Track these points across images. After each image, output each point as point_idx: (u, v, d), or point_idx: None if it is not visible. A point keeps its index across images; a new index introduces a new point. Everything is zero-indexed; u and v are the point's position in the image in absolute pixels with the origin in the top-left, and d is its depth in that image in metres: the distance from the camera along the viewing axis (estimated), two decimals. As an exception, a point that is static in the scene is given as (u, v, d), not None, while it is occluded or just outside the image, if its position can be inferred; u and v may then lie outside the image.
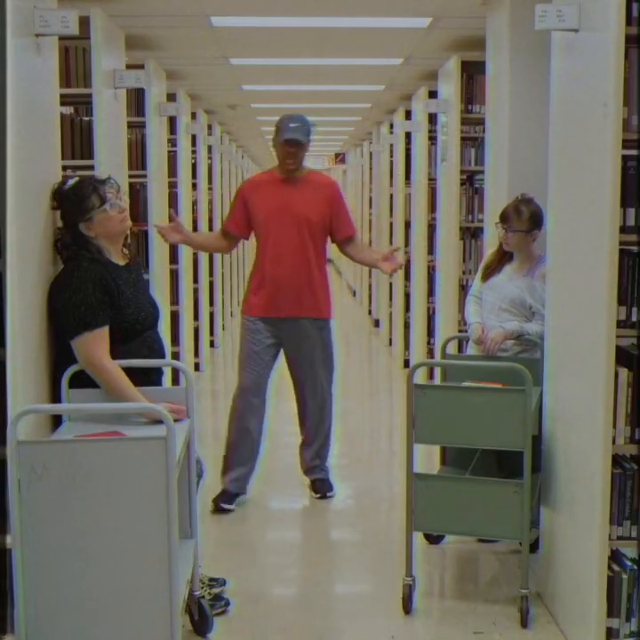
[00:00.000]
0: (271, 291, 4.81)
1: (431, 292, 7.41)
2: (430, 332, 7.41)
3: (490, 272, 4.38)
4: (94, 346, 3.22)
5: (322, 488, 5.02)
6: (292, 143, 4.74)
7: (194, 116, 8.86)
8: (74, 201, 3.32)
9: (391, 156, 9.86)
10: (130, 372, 3.27)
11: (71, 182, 3.37)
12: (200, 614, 3.45)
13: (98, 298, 3.23)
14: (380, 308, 11.22)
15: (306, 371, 4.90)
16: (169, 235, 4.75)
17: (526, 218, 4.21)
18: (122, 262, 3.44)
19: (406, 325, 8.72)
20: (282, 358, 4.95)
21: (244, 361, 4.86)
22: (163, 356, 3.54)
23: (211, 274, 9.63)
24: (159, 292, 6.17)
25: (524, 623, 3.56)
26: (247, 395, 4.82)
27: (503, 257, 4.37)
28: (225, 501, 4.75)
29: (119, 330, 3.31)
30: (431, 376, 6.95)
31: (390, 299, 9.82)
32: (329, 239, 4.99)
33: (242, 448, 4.82)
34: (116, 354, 3.27)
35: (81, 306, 3.21)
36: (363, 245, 5.29)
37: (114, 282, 3.30)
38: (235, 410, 4.86)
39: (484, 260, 4.53)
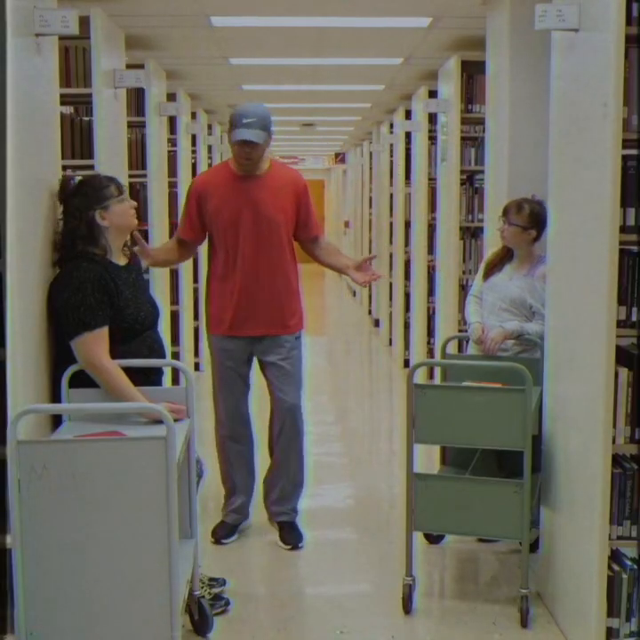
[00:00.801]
0: (246, 305, 4.26)
1: (431, 291, 7.41)
2: (430, 331, 7.41)
3: (491, 270, 4.38)
4: (94, 346, 3.22)
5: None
6: (245, 142, 4.15)
7: (194, 115, 8.86)
8: (90, 190, 3.34)
9: (391, 156, 9.86)
10: (130, 371, 3.27)
11: (80, 178, 3.42)
12: (200, 614, 3.45)
13: (97, 298, 3.24)
14: (379, 307, 11.22)
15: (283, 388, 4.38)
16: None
17: (526, 214, 4.19)
18: (122, 262, 3.45)
19: (406, 325, 8.72)
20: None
21: (220, 387, 4.38)
22: (162, 355, 3.54)
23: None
24: (159, 291, 6.17)
25: (524, 623, 3.56)
26: (228, 424, 4.42)
27: (505, 256, 4.36)
28: (225, 535, 4.42)
29: (119, 330, 3.31)
30: (431, 376, 6.95)
31: (390, 299, 9.83)
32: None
33: (236, 477, 4.48)
34: (115, 354, 3.27)
35: (80, 306, 3.21)
36: (332, 248, 4.62)
37: (113, 282, 3.30)
38: (219, 441, 4.48)
39: (486, 259, 4.53)
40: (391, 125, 10.03)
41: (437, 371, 5.70)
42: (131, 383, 3.23)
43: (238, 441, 4.45)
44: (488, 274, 4.38)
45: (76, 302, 3.21)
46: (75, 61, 4.87)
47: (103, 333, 3.25)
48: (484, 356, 4.19)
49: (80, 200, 3.33)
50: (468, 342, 4.64)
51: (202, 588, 3.54)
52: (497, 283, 4.32)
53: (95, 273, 3.27)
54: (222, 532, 4.44)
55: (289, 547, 4.35)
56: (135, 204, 3.49)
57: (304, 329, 4.46)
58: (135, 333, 3.38)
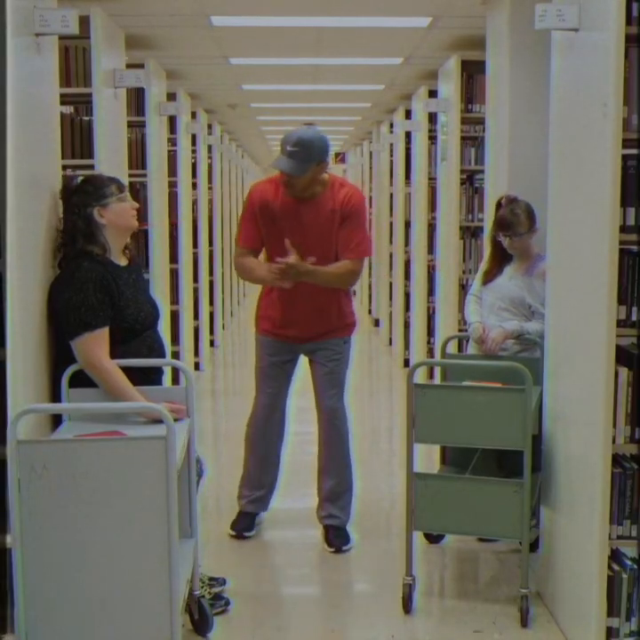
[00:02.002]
0: (293, 311, 4.27)
1: (431, 291, 7.41)
2: (430, 331, 7.41)
3: (490, 277, 4.36)
4: (94, 346, 3.22)
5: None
6: (285, 173, 4.07)
7: (194, 115, 8.86)
8: (90, 188, 3.34)
9: (391, 156, 9.86)
10: (130, 371, 3.27)
11: (82, 177, 3.42)
12: (200, 614, 3.45)
13: (98, 298, 3.23)
14: (379, 307, 11.21)
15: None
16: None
17: (525, 219, 4.20)
18: (123, 262, 3.44)
19: (406, 325, 8.72)
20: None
21: (262, 377, 4.42)
22: (162, 355, 3.54)
23: (211, 273, 9.64)
24: (159, 291, 6.17)
25: (524, 623, 3.56)
26: (264, 413, 4.43)
27: (502, 260, 4.34)
28: (245, 528, 4.43)
29: (119, 330, 3.31)
30: (431, 376, 6.95)
31: (390, 298, 9.83)
32: None
33: (262, 471, 4.49)
34: (115, 354, 3.27)
35: (81, 307, 3.20)
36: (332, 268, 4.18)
37: (114, 282, 3.30)
38: (250, 432, 4.50)
39: (483, 266, 4.49)
40: (391, 125, 10.03)
41: (437, 370, 5.70)
42: (130, 383, 3.23)
43: (270, 434, 4.46)
44: (488, 280, 4.37)
45: (78, 302, 3.21)
46: (75, 61, 4.87)
47: (104, 334, 3.24)
48: (484, 355, 4.19)
49: (80, 197, 3.33)
50: (468, 342, 4.64)
51: (202, 587, 3.54)
52: (496, 282, 4.33)
53: (97, 273, 3.26)
54: (244, 524, 4.46)
55: (332, 549, 4.31)
56: (137, 205, 3.48)
57: (354, 334, 4.47)
58: (135, 333, 3.38)
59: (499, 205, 4.35)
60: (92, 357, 3.21)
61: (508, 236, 4.21)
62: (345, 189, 4.26)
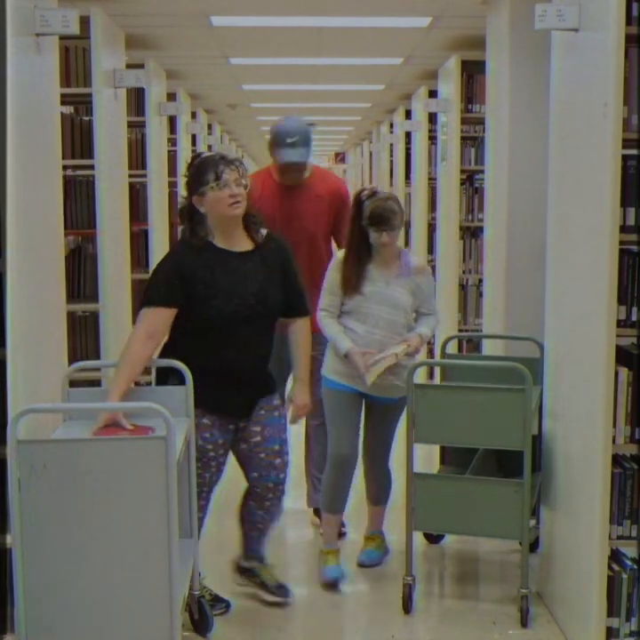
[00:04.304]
0: None
1: (431, 291, 7.39)
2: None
3: (355, 285, 3.82)
4: (144, 319, 3.23)
5: None
6: (292, 164, 4.25)
7: (194, 115, 8.87)
8: (194, 172, 3.30)
9: (391, 156, 9.87)
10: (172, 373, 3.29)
11: (204, 156, 3.38)
12: (200, 614, 3.45)
13: (167, 278, 3.24)
14: (379, 307, 11.20)
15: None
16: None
17: (399, 210, 3.83)
18: (237, 248, 3.34)
19: (406, 325, 8.70)
20: None
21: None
22: (255, 365, 3.40)
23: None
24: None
25: (524, 623, 3.56)
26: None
27: (358, 263, 3.83)
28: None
29: (190, 318, 3.27)
30: (431, 376, 6.95)
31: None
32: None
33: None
34: (190, 346, 3.29)
35: (152, 284, 3.29)
36: None
37: (190, 269, 3.24)
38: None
39: (332, 274, 3.88)
40: (391, 125, 10.04)
41: (437, 371, 5.70)
42: (125, 377, 3.16)
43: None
44: (355, 286, 3.82)
45: (152, 279, 3.31)
46: (75, 61, 4.88)
47: (159, 312, 3.23)
48: (483, 356, 4.15)
49: (186, 182, 3.33)
50: (467, 342, 4.63)
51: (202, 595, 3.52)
52: (375, 292, 3.81)
53: (176, 256, 3.31)
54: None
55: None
56: (237, 191, 3.25)
57: None
58: (211, 327, 3.27)
59: (359, 200, 3.82)
60: (135, 330, 3.25)
61: (385, 231, 3.75)
62: (331, 178, 4.63)
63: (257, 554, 3.77)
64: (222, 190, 3.22)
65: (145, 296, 3.28)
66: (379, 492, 4.21)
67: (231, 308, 3.27)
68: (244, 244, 3.36)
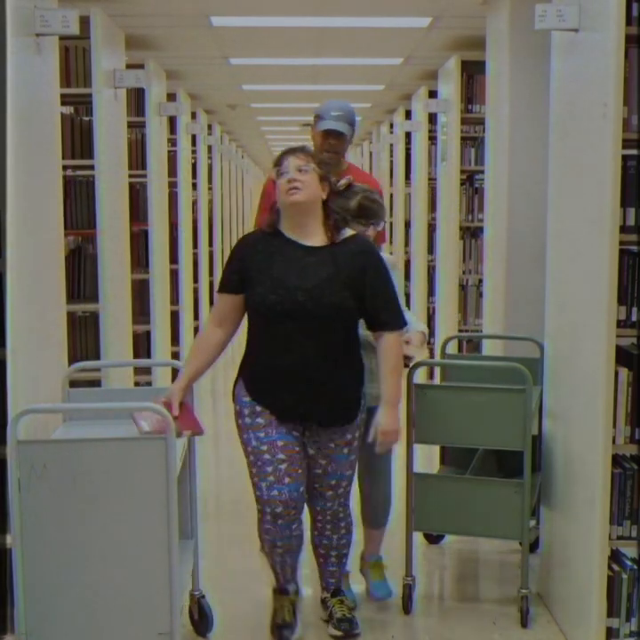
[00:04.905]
0: None
1: (431, 291, 7.41)
2: (430, 331, 7.41)
3: None
4: (214, 306, 3.30)
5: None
6: (331, 134, 4.14)
7: (194, 115, 8.87)
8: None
9: (391, 156, 9.87)
10: None
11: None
12: (200, 614, 3.45)
13: (231, 266, 3.20)
14: (379, 307, 11.19)
15: None
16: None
17: (382, 202, 3.69)
18: (307, 241, 3.16)
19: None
20: None
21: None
22: (298, 366, 3.14)
23: (211, 274, 9.64)
24: (159, 291, 6.18)
25: (524, 623, 3.56)
26: None
27: None
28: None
29: (250, 308, 3.19)
30: (431, 376, 6.95)
31: (390, 298, 9.81)
32: None
33: None
34: (261, 336, 3.20)
35: (223, 270, 3.27)
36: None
37: (251, 254, 3.16)
38: None
39: None
40: (391, 125, 10.04)
41: (437, 371, 5.70)
42: (194, 361, 3.22)
43: None
44: None
45: (223, 269, 3.28)
46: (75, 61, 4.88)
47: (222, 299, 3.21)
48: (483, 356, 4.13)
49: None
50: (467, 342, 4.62)
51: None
52: None
53: (241, 243, 3.25)
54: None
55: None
56: (296, 177, 3.09)
57: None
58: (264, 318, 3.14)
59: (353, 191, 3.57)
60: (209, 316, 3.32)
61: (372, 225, 3.58)
62: (362, 174, 4.39)
63: (326, 584, 3.54)
64: (281, 177, 3.11)
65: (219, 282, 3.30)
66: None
67: (274, 297, 3.09)
68: (316, 239, 3.17)
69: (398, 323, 3.26)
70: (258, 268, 3.13)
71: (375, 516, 3.79)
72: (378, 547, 3.88)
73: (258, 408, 3.20)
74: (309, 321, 3.10)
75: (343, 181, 3.61)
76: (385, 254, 3.75)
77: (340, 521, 3.40)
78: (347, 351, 3.22)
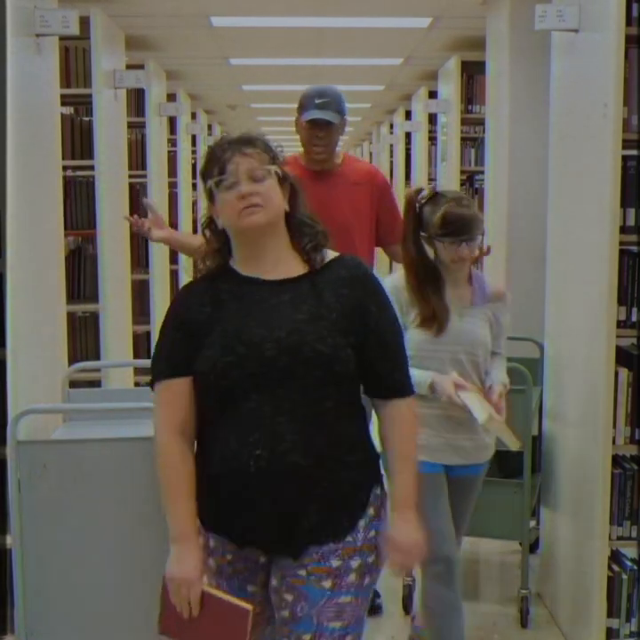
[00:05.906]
0: None
1: (431, 292, 7.40)
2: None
3: (439, 321, 2.80)
4: (156, 407, 2.14)
5: None
6: (318, 124, 3.49)
7: (194, 116, 8.87)
8: (201, 167, 2.16)
9: (391, 157, 9.87)
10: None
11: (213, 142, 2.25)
12: (200, 614, 3.42)
13: (173, 335, 2.11)
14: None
15: None
16: (149, 232, 3.39)
17: (480, 213, 2.90)
18: (272, 274, 2.10)
19: (406, 325, 8.71)
20: None
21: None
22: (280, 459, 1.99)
23: (211, 274, 9.63)
24: (159, 291, 6.18)
25: (524, 623, 3.56)
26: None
27: (433, 285, 2.83)
28: None
29: (199, 385, 2.09)
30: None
31: (390, 299, 9.81)
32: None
33: None
34: (208, 430, 2.12)
35: (155, 351, 2.18)
36: None
37: (195, 315, 2.10)
38: None
39: (407, 305, 2.82)
40: (391, 126, 10.05)
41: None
42: (182, 490, 2.13)
43: None
44: (435, 325, 2.80)
45: (156, 344, 2.19)
46: (75, 61, 4.88)
47: (171, 389, 2.10)
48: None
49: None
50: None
51: None
52: (447, 328, 2.83)
53: (182, 299, 2.22)
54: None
55: None
56: (251, 190, 2.04)
57: None
58: (217, 394, 2.05)
59: (413, 203, 2.85)
60: (154, 424, 2.20)
61: (464, 241, 2.77)
62: (361, 164, 3.97)
63: None
64: (226, 191, 2.05)
65: (151, 372, 2.18)
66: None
67: (230, 359, 2.01)
68: (284, 268, 2.11)
69: (411, 383, 2.18)
70: (201, 326, 2.08)
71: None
72: None
73: (211, 542, 2.16)
74: (285, 389, 1.99)
75: (427, 191, 2.87)
76: (488, 280, 2.96)
77: None
78: (347, 434, 2.08)
